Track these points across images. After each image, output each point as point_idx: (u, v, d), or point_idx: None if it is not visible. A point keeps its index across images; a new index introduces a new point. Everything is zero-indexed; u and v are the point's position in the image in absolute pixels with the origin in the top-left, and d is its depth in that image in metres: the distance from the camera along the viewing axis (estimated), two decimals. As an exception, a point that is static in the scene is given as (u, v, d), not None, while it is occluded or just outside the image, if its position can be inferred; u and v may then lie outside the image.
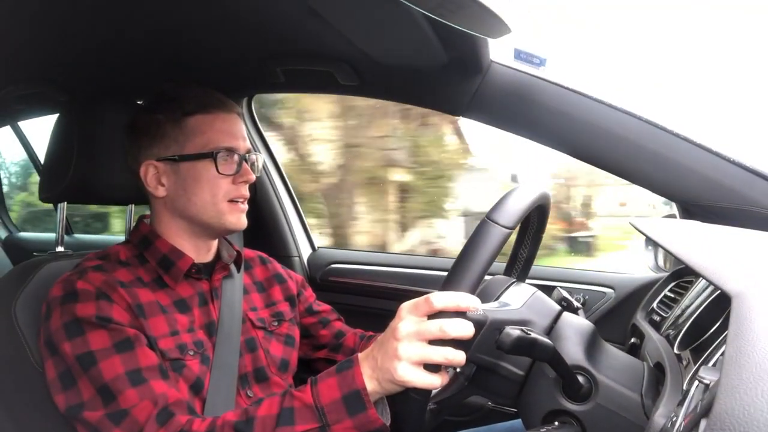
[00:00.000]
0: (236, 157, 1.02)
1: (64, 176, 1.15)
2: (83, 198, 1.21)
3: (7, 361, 0.97)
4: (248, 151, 1.05)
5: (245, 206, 1.05)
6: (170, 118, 1.02)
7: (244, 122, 1.64)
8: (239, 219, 1.03)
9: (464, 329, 0.71)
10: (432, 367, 0.73)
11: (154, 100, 1.06)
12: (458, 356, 0.72)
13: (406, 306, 0.75)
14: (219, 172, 1.00)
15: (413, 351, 0.72)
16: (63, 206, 1.24)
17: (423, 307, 0.73)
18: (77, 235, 2.49)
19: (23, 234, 2.65)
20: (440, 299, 0.72)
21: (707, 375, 0.49)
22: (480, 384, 0.87)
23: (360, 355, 0.79)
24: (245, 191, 1.04)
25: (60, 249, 1.21)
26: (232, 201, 1.02)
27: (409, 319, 0.73)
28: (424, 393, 0.75)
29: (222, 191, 1.01)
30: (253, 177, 1.04)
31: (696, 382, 0.55)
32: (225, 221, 1.02)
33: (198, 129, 1.01)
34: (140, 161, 1.03)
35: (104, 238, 2.37)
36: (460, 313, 0.72)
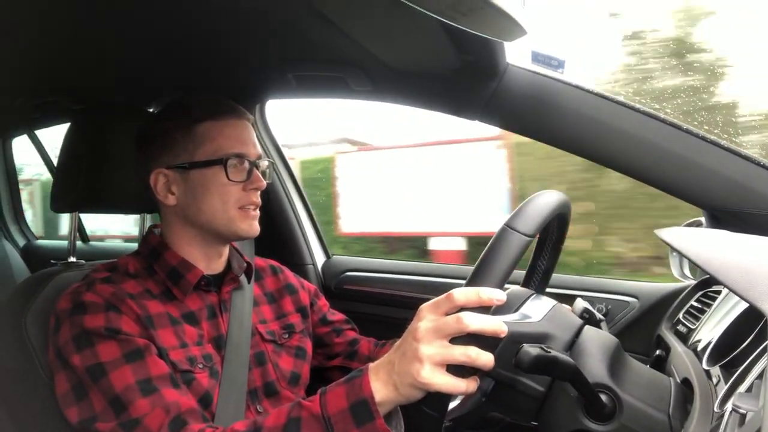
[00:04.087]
0: (246, 163, 1.01)
1: (75, 185, 1.14)
2: (95, 207, 1.21)
3: (16, 373, 0.97)
4: (259, 158, 1.04)
5: (257, 213, 1.03)
6: (180, 126, 1.00)
7: (255, 129, 1.65)
8: (251, 226, 1.02)
9: (484, 322, 0.67)
10: (458, 371, 0.69)
11: (164, 108, 1.06)
12: (482, 356, 0.68)
13: (426, 306, 0.72)
14: (229, 179, 0.98)
15: (434, 350, 0.68)
16: (75, 216, 1.24)
17: (444, 305, 0.69)
18: (93, 243, 2.51)
19: (41, 241, 2.67)
20: (462, 293, 0.68)
21: (744, 404, 0.45)
22: (498, 400, 0.84)
23: (372, 364, 0.75)
24: (256, 198, 1.02)
25: (72, 259, 1.20)
26: (242, 208, 1.01)
27: (428, 319, 0.70)
28: (439, 408, 0.72)
29: (232, 198, 1.00)
30: (263, 184, 1.03)
31: (730, 408, 0.51)
32: (236, 228, 1.01)
33: (207, 136, 1.00)
34: (150, 170, 1.02)
35: (119, 246, 2.38)
36: (485, 309, 0.69)
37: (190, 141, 1.00)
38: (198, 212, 1.00)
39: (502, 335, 0.70)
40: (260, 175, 1.02)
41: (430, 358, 0.68)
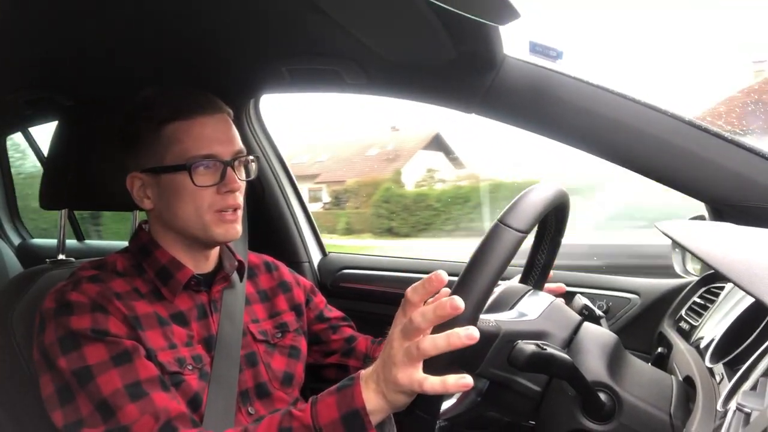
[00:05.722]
0: (218, 164, 0.94)
1: (64, 182, 1.12)
2: (84, 204, 1.19)
3: (4, 372, 0.95)
4: (237, 154, 0.97)
5: (235, 215, 0.97)
6: (148, 128, 0.95)
7: (249, 124, 1.62)
8: (227, 230, 0.96)
9: (436, 311, 0.66)
10: (437, 369, 0.68)
11: (134, 107, 0.99)
12: (434, 342, 0.66)
13: (407, 297, 0.72)
14: (196, 185, 0.92)
15: (401, 351, 0.69)
16: (63, 213, 1.22)
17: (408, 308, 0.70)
18: (88, 241, 2.49)
19: (36, 240, 2.65)
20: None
21: (748, 403, 0.43)
22: (493, 400, 0.81)
23: (363, 372, 0.75)
24: (233, 200, 0.96)
25: (61, 257, 1.18)
26: (218, 212, 0.95)
27: (399, 321, 0.71)
28: (431, 411, 0.70)
29: (206, 203, 0.94)
30: (238, 185, 0.96)
31: (733, 407, 0.48)
32: (212, 234, 0.95)
33: (174, 138, 0.94)
34: (126, 172, 0.98)
35: (114, 243, 2.35)
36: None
37: (158, 144, 0.95)
38: (173, 217, 0.96)
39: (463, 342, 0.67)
40: (234, 176, 0.95)
41: (402, 358, 0.68)
